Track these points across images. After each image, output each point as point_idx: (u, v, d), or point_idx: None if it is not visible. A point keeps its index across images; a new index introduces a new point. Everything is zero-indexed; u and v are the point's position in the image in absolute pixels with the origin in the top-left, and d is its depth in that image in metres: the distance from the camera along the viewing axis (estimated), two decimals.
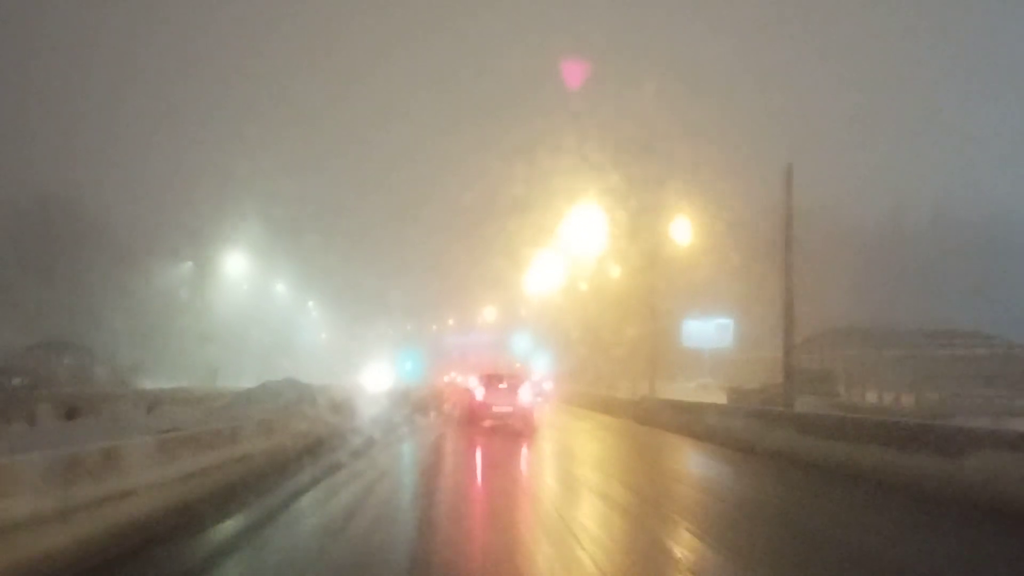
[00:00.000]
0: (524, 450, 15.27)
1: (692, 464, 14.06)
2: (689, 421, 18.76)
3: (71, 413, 20.07)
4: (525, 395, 18.96)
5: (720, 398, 26.88)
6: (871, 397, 27.88)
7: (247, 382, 41.40)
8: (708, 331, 45.57)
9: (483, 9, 75.09)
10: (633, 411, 24.11)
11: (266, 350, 47.64)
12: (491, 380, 19.54)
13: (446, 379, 52.37)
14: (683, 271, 35.43)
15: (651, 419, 21.58)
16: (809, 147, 45.86)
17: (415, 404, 25.88)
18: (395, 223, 75.19)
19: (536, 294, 50.29)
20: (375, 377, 41.41)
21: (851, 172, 54.37)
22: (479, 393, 19.25)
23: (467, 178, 66.02)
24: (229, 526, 7.61)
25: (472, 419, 19.45)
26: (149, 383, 34.22)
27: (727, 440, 15.60)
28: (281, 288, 54.45)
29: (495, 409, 18.68)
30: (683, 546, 6.75)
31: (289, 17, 77.33)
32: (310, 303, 64.30)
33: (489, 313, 67.64)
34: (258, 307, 48.70)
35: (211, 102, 68.78)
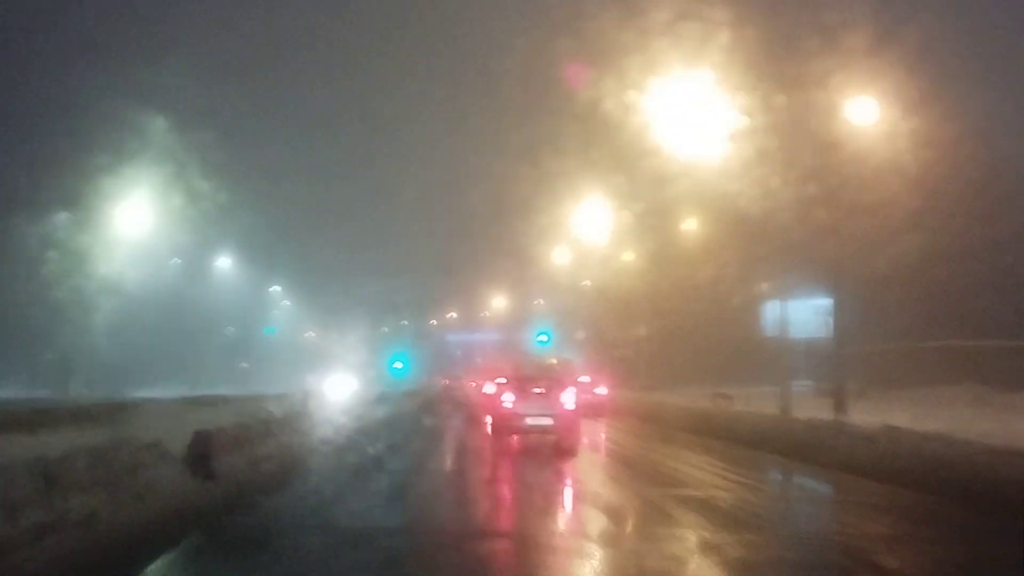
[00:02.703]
0: None
1: None
2: None
3: None
4: (568, 401, 15.99)
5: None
6: None
7: (162, 390, 30.33)
8: (802, 316, 33.96)
9: (487, 12, 66.71)
10: None
11: (199, 346, 35.79)
12: (523, 383, 16.79)
13: (445, 382, 47.17)
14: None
15: None
16: None
17: (392, 421, 20.44)
18: (399, 222, 71.32)
19: (564, 275, 38.93)
20: (340, 382, 31.46)
21: None
22: (508, 400, 16.53)
23: (473, 179, 59.41)
24: None
25: (498, 432, 17.44)
26: None
27: None
28: (225, 264, 40.57)
29: (529, 421, 16.00)
30: None
31: (294, 20, 70.57)
32: (276, 288, 51.89)
33: (498, 303, 57.92)
34: (179, 289, 35.89)
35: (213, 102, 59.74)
